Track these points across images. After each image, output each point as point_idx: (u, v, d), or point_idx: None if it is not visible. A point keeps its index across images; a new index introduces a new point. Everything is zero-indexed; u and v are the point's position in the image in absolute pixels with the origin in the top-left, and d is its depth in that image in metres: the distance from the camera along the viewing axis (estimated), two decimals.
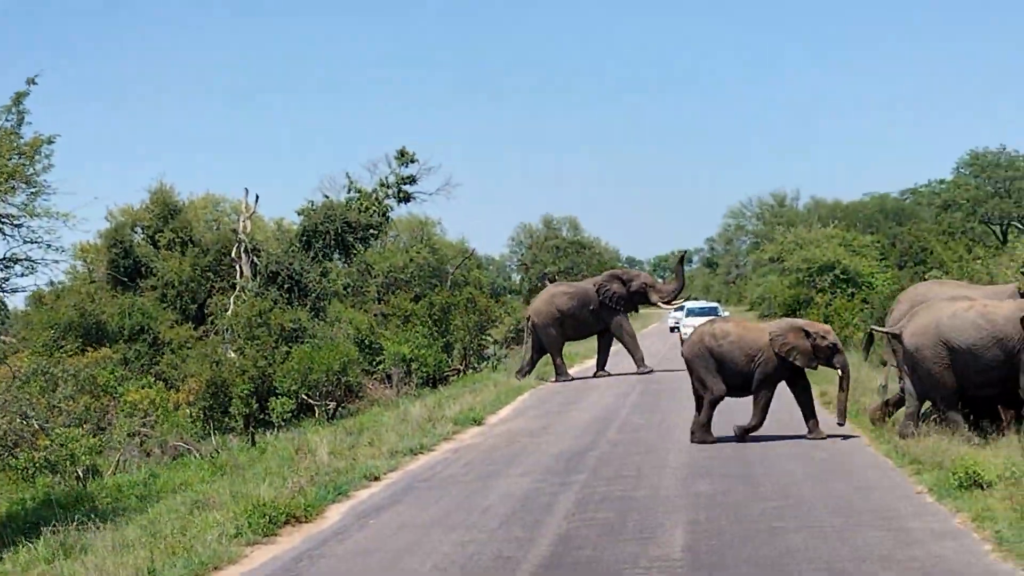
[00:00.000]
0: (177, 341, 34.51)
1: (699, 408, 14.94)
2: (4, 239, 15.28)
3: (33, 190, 15.46)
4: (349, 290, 41.38)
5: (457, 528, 10.18)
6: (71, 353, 28.10)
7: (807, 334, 14.36)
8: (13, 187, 14.95)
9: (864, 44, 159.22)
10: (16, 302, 34.62)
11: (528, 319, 28.63)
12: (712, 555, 8.59)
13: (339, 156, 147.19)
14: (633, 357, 27.75)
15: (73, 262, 40.14)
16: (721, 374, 14.63)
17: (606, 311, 27.68)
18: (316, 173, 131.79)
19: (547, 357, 28.44)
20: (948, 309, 13.21)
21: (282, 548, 10.01)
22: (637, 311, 30.49)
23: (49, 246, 16.21)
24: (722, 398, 14.82)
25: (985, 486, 10.05)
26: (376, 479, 13.48)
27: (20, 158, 15.17)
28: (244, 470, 16.58)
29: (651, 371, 27.01)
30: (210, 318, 37.09)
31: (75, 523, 12.03)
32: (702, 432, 14.69)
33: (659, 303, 29.03)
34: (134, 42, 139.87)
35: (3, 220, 14.95)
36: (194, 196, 46.61)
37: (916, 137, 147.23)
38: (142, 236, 40.78)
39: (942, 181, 76.96)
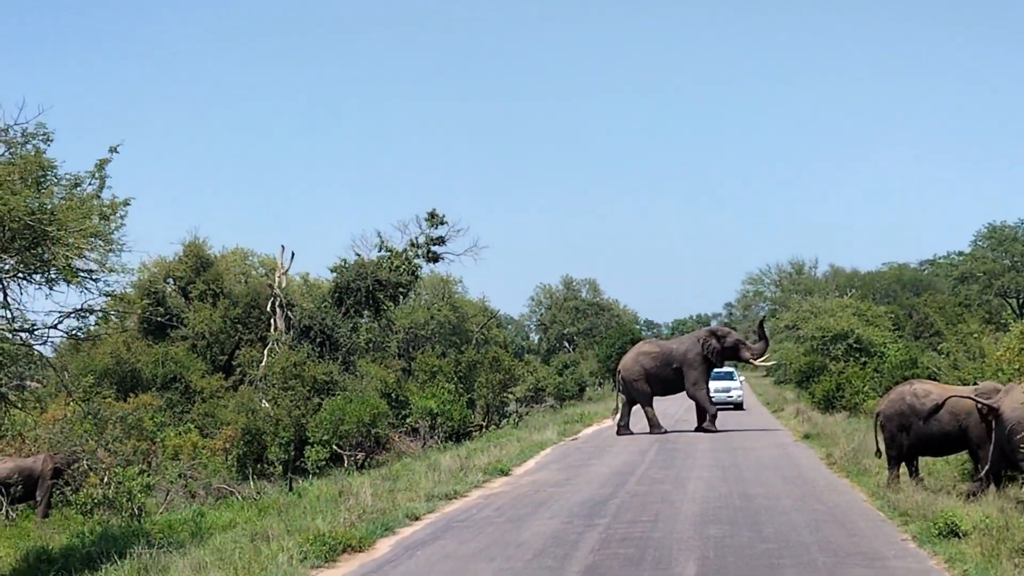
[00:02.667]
0: (208, 390, 36.03)
1: (891, 462, 15.99)
2: (83, 291, 16.75)
3: (110, 247, 17.00)
4: (371, 345, 42.86)
5: (496, 559, 11.59)
6: (113, 399, 29.55)
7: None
8: (93, 246, 16.48)
9: (887, 115, 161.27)
10: (42, 349, 35.93)
11: (618, 374, 30.77)
12: None
13: (365, 216, 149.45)
14: (707, 415, 29.52)
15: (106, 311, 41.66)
16: (923, 431, 15.46)
17: (691, 369, 29.72)
18: (342, 231, 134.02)
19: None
20: None
21: (343, 572, 11.42)
22: (722, 365, 33.44)
23: (121, 298, 17.79)
24: (906, 456, 15.87)
25: (962, 535, 11.46)
26: (417, 519, 14.90)
27: (101, 220, 16.76)
28: (289, 511, 17.91)
29: (716, 431, 28.63)
30: (238, 368, 38.59)
31: (154, 549, 13.38)
32: (895, 482, 15.59)
33: (750, 359, 31.22)
34: (167, 90, 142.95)
35: (84, 274, 16.45)
36: (225, 250, 48.22)
37: (937, 208, 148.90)
38: (174, 287, 42.39)
39: (960, 253, 78.26)
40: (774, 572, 10.38)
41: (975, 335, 27.99)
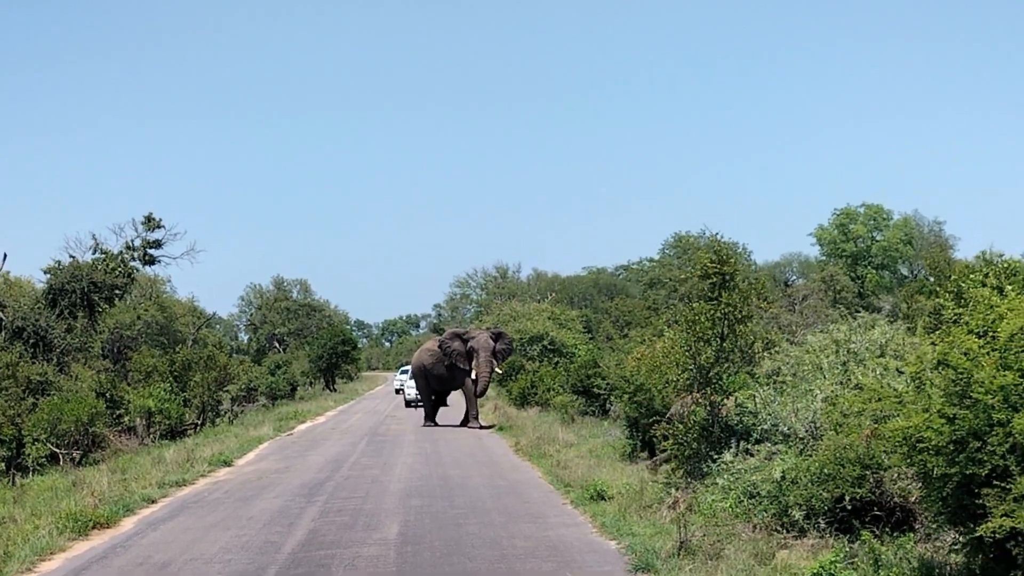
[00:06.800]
0: None
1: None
2: None
3: None
4: (75, 347, 43.02)
5: (231, 528, 13.72)
6: None
7: None
8: None
9: (589, 129, 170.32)
10: None
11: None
12: (416, 536, 12.60)
13: (79, 218, 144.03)
14: (469, 412, 31.49)
15: None
16: None
17: (456, 368, 31.42)
18: (52, 232, 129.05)
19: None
20: None
21: (96, 543, 13.24)
22: (467, 367, 31.57)
23: None
24: None
25: (607, 498, 14.58)
26: (153, 502, 16.74)
27: None
28: (22, 501, 19.13)
29: (487, 427, 30.52)
30: None
31: None
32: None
33: (472, 369, 31.10)
34: None
35: None
36: None
37: (633, 217, 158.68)
38: None
39: (651, 259, 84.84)
40: (460, 529, 13.08)
41: (638, 339, 31.90)
